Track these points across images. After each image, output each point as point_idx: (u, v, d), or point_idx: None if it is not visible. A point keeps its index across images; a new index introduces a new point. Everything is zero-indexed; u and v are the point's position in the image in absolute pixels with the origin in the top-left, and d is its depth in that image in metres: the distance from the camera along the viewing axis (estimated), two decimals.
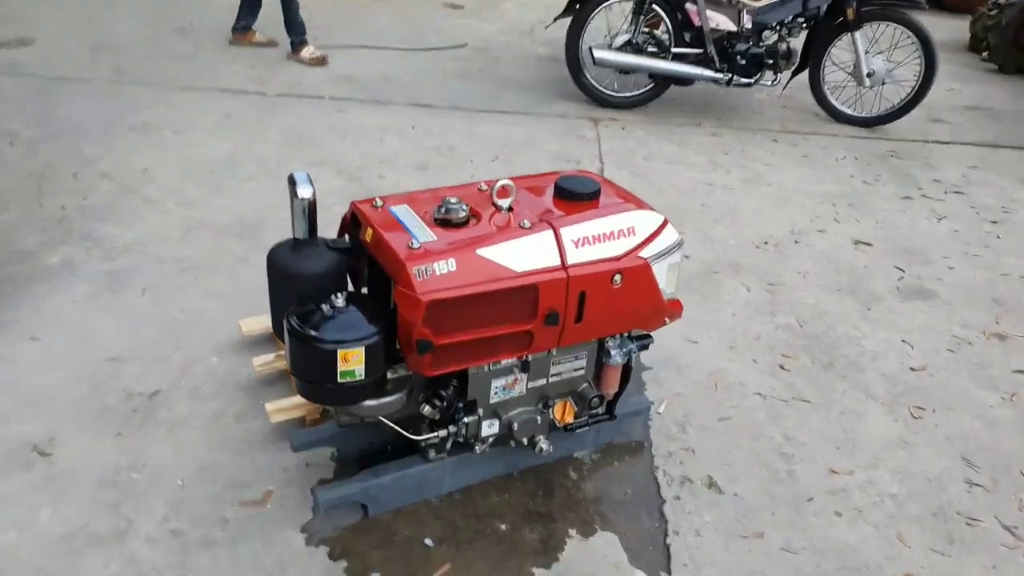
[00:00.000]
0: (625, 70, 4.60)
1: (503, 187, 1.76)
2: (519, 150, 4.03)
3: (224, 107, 4.22)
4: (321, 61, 4.93)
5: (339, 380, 1.55)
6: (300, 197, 1.67)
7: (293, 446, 1.97)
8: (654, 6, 4.43)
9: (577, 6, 4.47)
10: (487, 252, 1.62)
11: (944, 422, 2.32)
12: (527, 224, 1.69)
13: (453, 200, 1.71)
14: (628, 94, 4.73)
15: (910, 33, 4.36)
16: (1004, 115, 5.10)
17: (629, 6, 4.53)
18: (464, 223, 1.71)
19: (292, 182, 1.70)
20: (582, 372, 1.90)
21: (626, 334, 1.91)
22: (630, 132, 4.42)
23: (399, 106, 4.45)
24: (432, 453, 1.88)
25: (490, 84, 4.94)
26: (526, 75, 5.15)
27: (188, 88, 4.43)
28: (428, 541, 1.84)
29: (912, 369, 2.55)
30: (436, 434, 1.82)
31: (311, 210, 1.69)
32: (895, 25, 4.41)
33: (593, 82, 4.67)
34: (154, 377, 2.27)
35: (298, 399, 2.06)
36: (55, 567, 1.72)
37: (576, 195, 1.80)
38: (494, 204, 1.76)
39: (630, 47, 4.52)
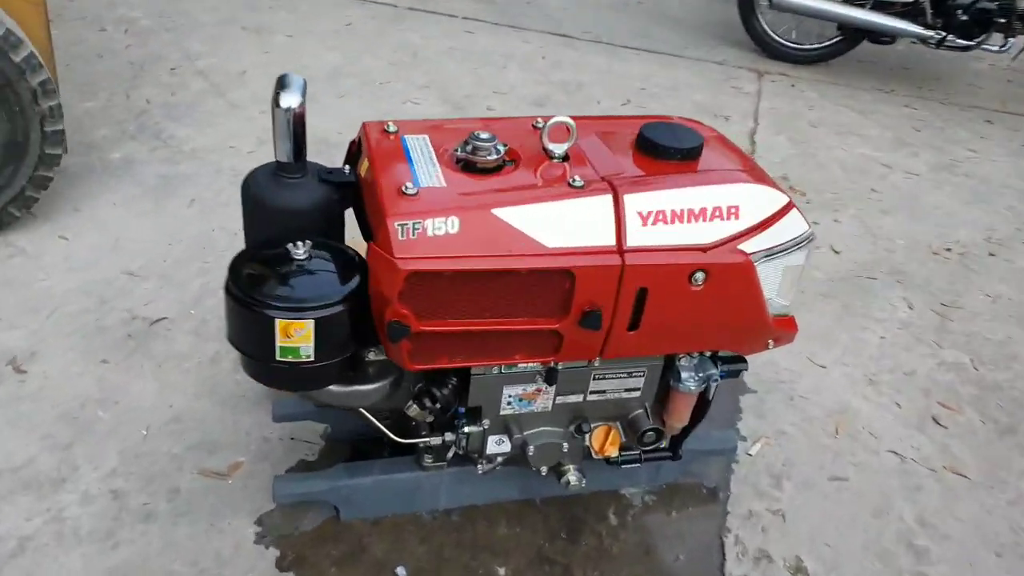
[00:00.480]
0: (809, 16, 3.84)
1: (558, 126, 1.26)
2: (658, 96, 3.44)
3: (347, 15, 3.90)
4: None
5: (279, 357, 1.14)
6: (282, 106, 1.26)
7: (275, 415, 1.61)
8: None
9: None
10: (509, 214, 1.14)
11: None
12: (579, 182, 1.19)
13: (484, 136, 1.23)
14: (807, 46, 3.97)
15: None
16: None
17: None
18: (494, 169, 1.24)
19: (280, 85, 1.28)
20: (637, 394, 1.40)
21: (708, 353, 1.38)
22: (800, 91, 3.70)
23: (534, 33, 3.95)
24: (428, 460, 1.46)
25: (645, 18, 4.32)
26: (689, 12, 4.48)
27: None
28: (401, 571, 1.43)
29: None
30: (427, 440, 1.39)
31: (298, 125, 1.28)
32: None
33: (766, 27, 3.94)
34: (164, 301, 1.99)
35: None
36: None
37: (664, 150, 1.27)
38: (544, 150, 1.27)
39: None
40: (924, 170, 3.08)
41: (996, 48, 3.60)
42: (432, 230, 1.11)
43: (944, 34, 3.59)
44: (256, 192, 1.30)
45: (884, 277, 2.39)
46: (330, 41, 3.59)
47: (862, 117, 3.51)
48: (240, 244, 2.13)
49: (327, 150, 2.71)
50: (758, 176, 1.30)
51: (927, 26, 3.61)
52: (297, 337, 1.12)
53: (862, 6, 3.71)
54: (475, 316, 1.17)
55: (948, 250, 2.55)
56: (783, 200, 1.26)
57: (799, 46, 3.97)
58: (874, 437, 1.82)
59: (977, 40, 3.57)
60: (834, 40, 3.91)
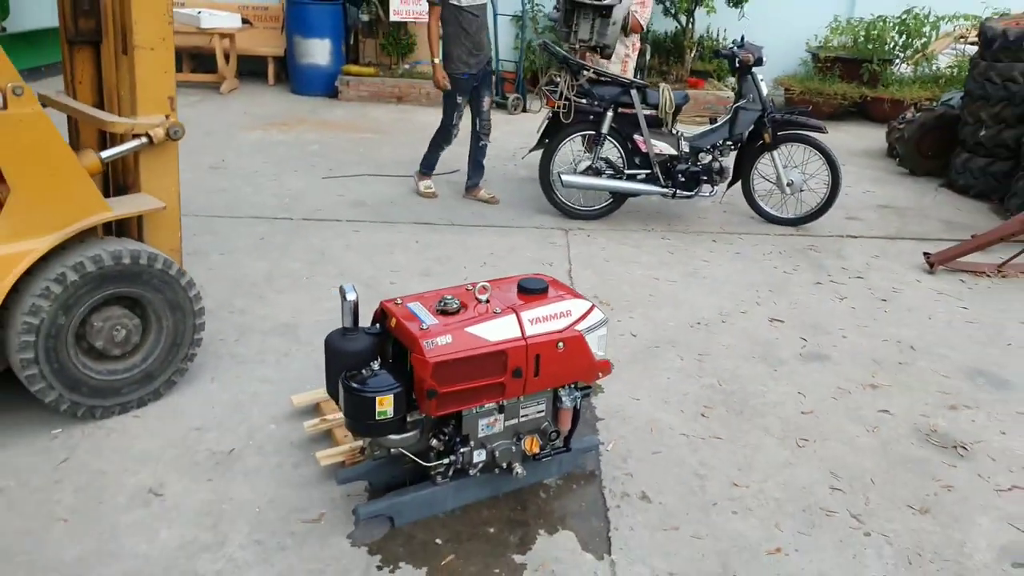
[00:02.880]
0: (588, 189, 5.56)
1: (481, 287, 2.61)
2: (504, 256, 4.92)
3: (258, 232, 5.13)
4: (492, 200, 5.86)
5: (376, 418, 2.34)
6: (347, 300, 2.51)
7: (338, 480, 2.73)
8: (609, 138, 5.43)
9: (547, 140, 5.47)
10: (472, 329, 2.45)
11: (820, 449, 3.10)
12: (498, 311, 2.53)
13: (449, 297, 2.55)
14: (592, 207, 5.67)
15: (816, 152, 5.35)
16: (908, 212, 6.06)
17: (589, 136, 5.55)
18: (456, 311, 2.54)
19: (342, 291, 2.53)
20: (543, 413, 2.69)
21: (572, 385, 2.71)
22: (594, 239, 5.33)
23: (404, 224, 5.38)
24: (439, 479, 2.65)
25: (480, 204, 5.88)
26: (510, 194, 6.11)
27: (227, 216, 5.35)
28: (438, 540, 2.58)
29: (803, 412, 3.34)
30: (442, 462, 2.59)
31: (355, 308, 2.53)
32: (803, 145, 5.41)
33: (563, 200, 5.62)
34: (228, 440, 3.04)
35: (341, 448, 2.85)
36: (178, 567, 2.45)
37: (531, 291, 2.65)
38: (476, 298, 2.60)
39: (591, 171, 5.49)
40: (679, 278, 4.71)
41: (708, 195, 5.47)
42: (440, 342, 2.39)
43: (674, 190, 5.41)
44: (336, 345, 2.52)
45: (664, 345, 3.88)
46: (254, 253, 4.79)
47: (636, 249, 5.17)
48: (262, 400, 3.25)
49: (287, 331, 3.89)
50: (575, 295, 2.70)
51: (662, 186, 5.43)
52: (386, 405, 2.33)
53: (620, 179, 5.48)
54: (465, 380, 2.44)
55: (698, 324, 4.11)
56: (589, 304, 2.66)
57: (587, 208, 5.67)
58: (672, 429, 3.20)
59: (694, 192, 5.43)
60: (608, 202, 5.64)
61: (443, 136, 5.71)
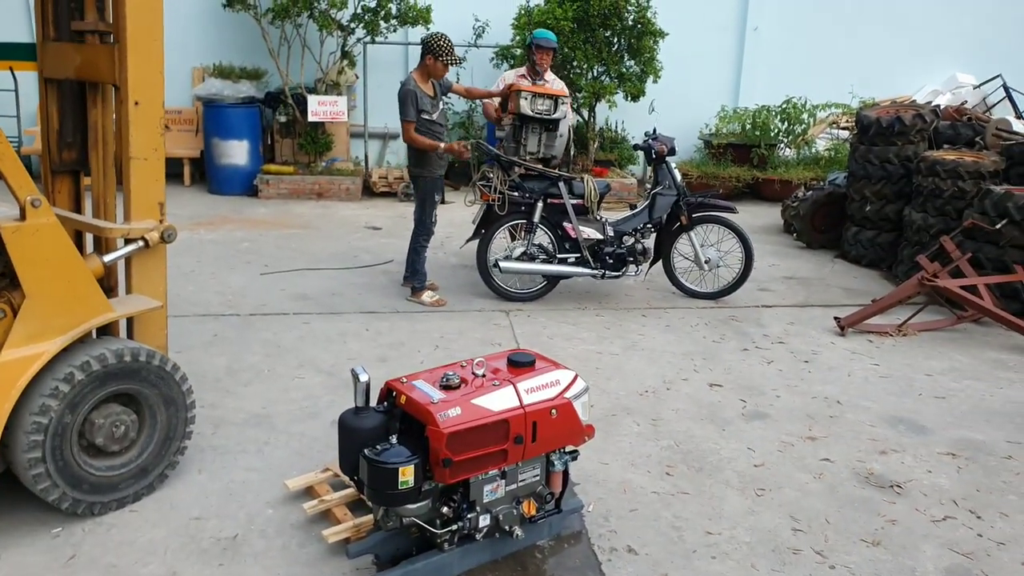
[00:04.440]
0: (523, 274, 5.94)
1: (478, 362, 2.88)
2: (453, 339, 5.18)
3: (209, 329, 5.20)
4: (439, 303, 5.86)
5: (399, 487, 2.54)
6: (361, 381, 2.72)
7: (350, 554, 2.84)
8: (540, 226, 5.86)
9: (483, 231, 5.85)
10: (477, 401, 2.70)
11: (777, 496, 3.46)
12: (497, 383, 2.80)
13: (451, 373, 2.81)
14: (528, 290, 6.04)
15: (730, 231, 5.95)
16: (812, 282, 6.74)
17: (522, 225, 5.97)
18: (459, 386, 2.79)
19: (355, 373, 2.74)
20: (538, 477, 2.94)
21: (562, 448, 2.98)
22: (535, 318, 5.68)
23: (351, 314, 5.57)
24: (446, 545, 2.83)
25: None
26: (445, 280, 6.41)
27: (174, 316, 5.39)
28: None
29: (755, 465, 3.71)
30: (450, 528, 2.78)
31: (367, 389, 2.74)
32: (717, 225, 6.01)
33: (501, 284, 5.97)
34: (230, 527, 3.12)
35: (345, 525, 3.00)
36: None
37: (521, 364, 2.94)
38: (473, 373, 2.86)
39: (525, 256, 5.88)
40: (620, 350, 5.10)
41: (633, 274, 5.96)
42: (451, 414, 2.63)
43: (603, 271, 5.87)
44: (350, 424, 2.71)
45: (619, 412, 4.21)
46: (210, 349, 4.87)
47: (575, 327, 5.54)
48: (252, 488, 3.37)
49: (262, 421, 4.00)
50: (559, 366, 3.01)
51: (592, 268, 5.87)
52: (408, 475, 2.53)
53: (552, 263, 5.89)
54: (473, 449, 2.67)
55: (647, 392, 4.47)
56: (573, 374, 2.97)
57: (524, 290, 6.03)
58: (642, 488, 3.50)
59: (621, 271, 5.90)
60: (543, 284, 6.03)
61: (424, 234, 5.87)
